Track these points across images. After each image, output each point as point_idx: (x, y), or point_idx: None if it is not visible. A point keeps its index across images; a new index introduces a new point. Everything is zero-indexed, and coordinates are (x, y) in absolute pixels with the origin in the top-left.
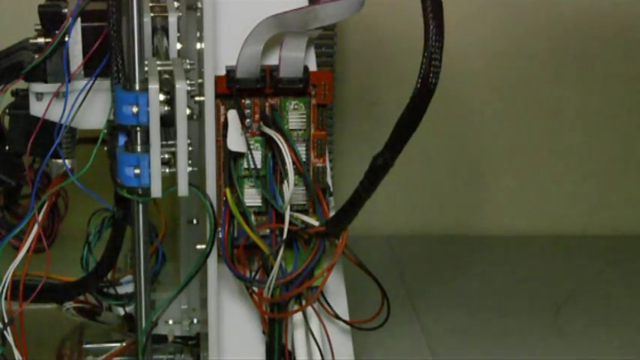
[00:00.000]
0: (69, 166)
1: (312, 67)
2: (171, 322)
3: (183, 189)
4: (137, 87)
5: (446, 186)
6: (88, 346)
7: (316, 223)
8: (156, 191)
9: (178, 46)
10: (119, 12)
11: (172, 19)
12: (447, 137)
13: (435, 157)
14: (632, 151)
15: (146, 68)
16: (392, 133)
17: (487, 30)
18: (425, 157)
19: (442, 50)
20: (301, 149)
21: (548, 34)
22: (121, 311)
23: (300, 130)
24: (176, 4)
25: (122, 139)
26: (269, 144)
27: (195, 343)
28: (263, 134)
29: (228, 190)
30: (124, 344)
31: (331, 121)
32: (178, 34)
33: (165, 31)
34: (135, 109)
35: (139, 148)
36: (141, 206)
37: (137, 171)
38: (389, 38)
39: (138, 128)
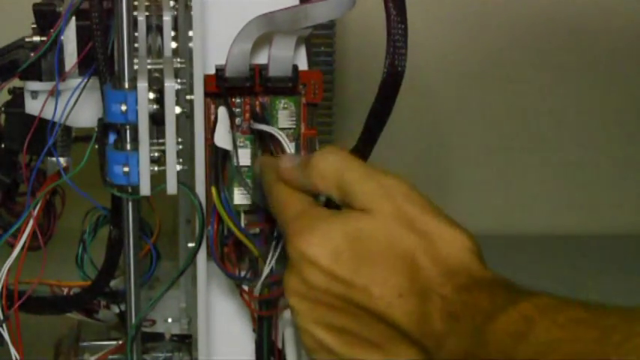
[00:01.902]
0: (63, 165)
1: (303, 66)
2: (170, 320)
3: (172, 187)
4: (126, 85)
5: (445, 185)
6: (84, 343)
7: None
8: (144, 189)
9: (174, 44)
10: (101, 9)
11: (167, 18)
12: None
13: (432, 156)
14: (613, 150)
15: (137, 67)
16: (365, 124)
17: (462, 26)
18: (425, 156)
19: (406, 34)
20: (292, 148)
21: (525, 31)
22: (115, 309)
23: (290, 128)
24: (172, 2)
25: (112, 138)
26: (261, 141)
27: (191, 342)
28: (254, 132)
29: (214, 189)
30: (121, 342)
31: (331, 120)
32: (175, 33)
33: (160, 29)
34: (124, 108)
35: (128, 147)
36: (131, 204)
37: (126, 169)
38: None
39: (127, 126)
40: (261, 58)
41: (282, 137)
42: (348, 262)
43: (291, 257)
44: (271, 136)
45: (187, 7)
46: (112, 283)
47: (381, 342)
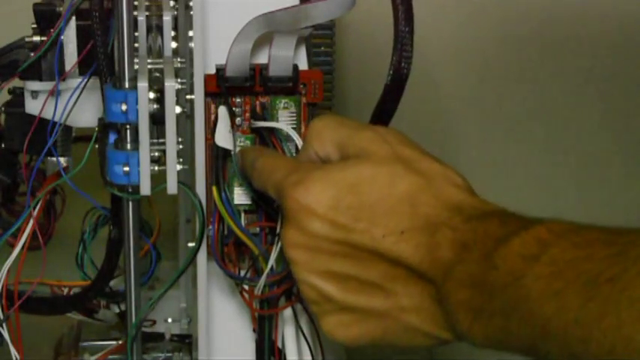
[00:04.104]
0: (63, 165)
1: (303, 66)
2: (170, 320)
3: (172, 187)
4: (127, 85)
5: None
6: (85, 343)
7: None
8: (145, 189)
9: (174, 44)
10: (102, 9)
11: (167, 18)
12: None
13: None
14: (622, 145)
15: (137, 67)
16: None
17: (468, 20)
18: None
19: (412, 36)
20: (292, 148)
21: (533, 26)
22: (115, 309)
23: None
24: (172, 2)
25: (112, 137)
26: (261, 141)
27: (191, 342)
28: (254, 131)
29: (214, 188)
30: (121, 342)
31: None
32: (175, 33)
33: (160, 29)
34: (124, 107)
35: (128, 146)
36: (131, 204)
37: (126, 169)
38: (389, 38)
39: (127, 126)
40: (261, 58)
41: (286, 128)
42: (348, 209)
43: (288, 210)
44: (271, 135)
45: (187, 7)
46: (112, 283)
47: (384, 283)
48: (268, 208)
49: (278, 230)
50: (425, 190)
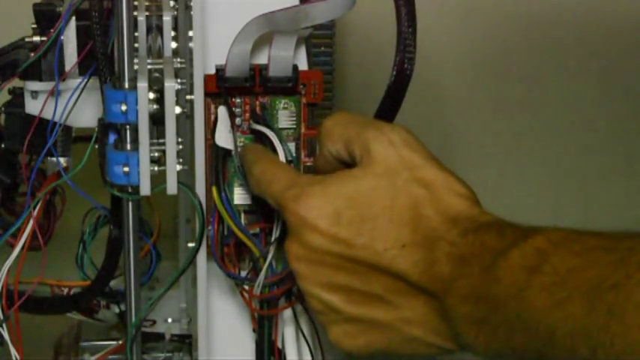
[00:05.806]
0: (63, 165)
1: (303, 66)
2: (170, 320)
3: (172, 187)
4: (126, 85)
5: None
6: (84, 343)
7: None
8: (145, 189)
9: (174, 44)
10: (101, 8)
11: (167, 18)
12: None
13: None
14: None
15: (137, 67)
16: None
17: (471, 20)
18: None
19: (415, 36)
20: (292, 148)
21: (536, 26)
22: (115, 309)
23: (290, 128)
24: (172, 2)
25: (112, 138)
26: (260, 141)
27: (191, 342)
28: (253, 132)
29: (214, 189)
30: (121, 342)
31: None
32: (175, 33)
33: (160, 29)
34: (124, 108)
35: (128, 147)
36: (131, 204)
37: (126, 169)
38: (389, 38)
39: (127, 126)
40: (261, 58)
41: (275, 139)
42: (349, 223)
43: (290, 224)
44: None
45: (187, 7)
46: (112, 283)
47: (387, 296)
48: (267, 208)
49: (276, 233)
50: (426, 202)
